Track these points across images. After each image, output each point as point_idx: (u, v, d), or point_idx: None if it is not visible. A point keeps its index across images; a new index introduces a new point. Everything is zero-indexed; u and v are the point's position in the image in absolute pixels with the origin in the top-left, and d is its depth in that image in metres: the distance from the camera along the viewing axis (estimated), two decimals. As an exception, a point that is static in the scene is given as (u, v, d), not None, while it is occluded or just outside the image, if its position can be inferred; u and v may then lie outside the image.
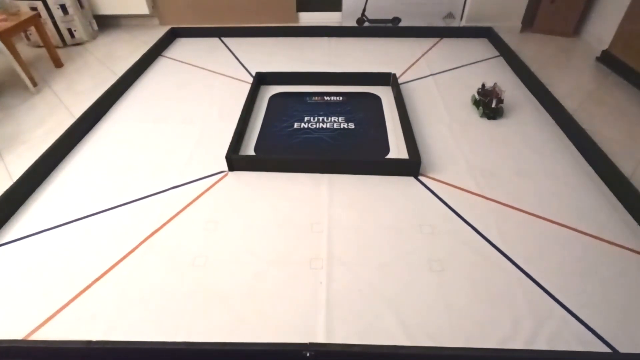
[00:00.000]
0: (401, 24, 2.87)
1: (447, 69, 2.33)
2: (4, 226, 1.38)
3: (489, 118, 1.85)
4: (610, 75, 2.25)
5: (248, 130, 1.84)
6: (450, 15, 2.84)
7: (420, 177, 1.55)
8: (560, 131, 1.78)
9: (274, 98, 2.09)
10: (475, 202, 1.44)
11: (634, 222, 1.34)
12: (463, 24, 2.85)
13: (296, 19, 3.02)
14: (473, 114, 1.91)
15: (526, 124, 1.84)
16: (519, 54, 2.36)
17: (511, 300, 1.11)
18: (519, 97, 2.04)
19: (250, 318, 1.08)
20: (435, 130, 1.81)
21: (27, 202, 1.47)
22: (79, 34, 2.78)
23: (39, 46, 2.66)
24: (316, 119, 1.90)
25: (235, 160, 1.59)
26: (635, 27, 2.12)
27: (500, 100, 1.82)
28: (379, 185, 1.51)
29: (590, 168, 1.57)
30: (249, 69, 2.36)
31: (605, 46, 2.33)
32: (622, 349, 1.00)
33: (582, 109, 1.95)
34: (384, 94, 2.10)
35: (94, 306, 1.12)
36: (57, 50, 2.53)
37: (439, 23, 2.87)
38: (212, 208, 1.43)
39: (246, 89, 2.08)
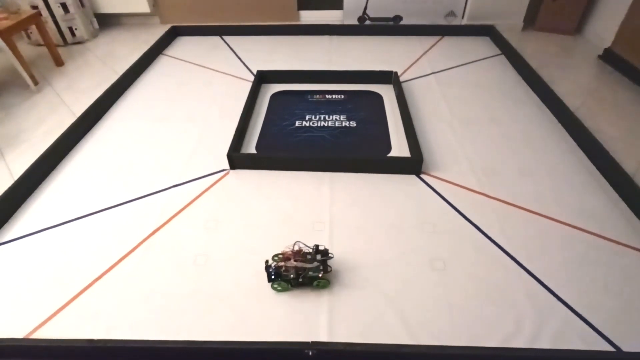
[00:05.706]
0: (402, 22, 2.86)
1: (448, 67, 2.32)
2: (5, 225, 1.38)
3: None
4: (612, 73, 2.24)
5: (249, 128, 1.83)
6: (451, 14, 2.83)
7: (422, 175, 1.54)
8: (563, 129, 1.78)
9: (275, 96, 2.09)
10: (477, 200, 1.43)
11: (637, 221, 1.33)
12: (465, 22, 2.84)
13: (297, 18, 3.02)
14: (474, 112, 1.90)
15: (528, 122, 1.83)
16: (521, 52, 2.35)
17: (514, 299, 1.11)
18: (520, 95, 2.03)
19: (251, 317, 1.08)
20: (437, 128, 1.80)
21: (28, 200, 1.47)
22: (80, 32, 2.77)
23: (39, 45, 2.66)
24: (317, 117, 1.90)
25: (237, 159, 1.59)
26: (637, 25, 2.11)
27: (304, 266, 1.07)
28: (380, 184, 1.50)
29: (592, 166, 1.57)
30: (250, 67, 2.36)
31: (608, 44, 2.32)
32: (626, 347, 1.00)
33: (584, 107, 1.94)
34: (386, 92, 2.09)
35: (95, 305, 1.12)
36: (58, 48, 2.53)
37: (441, 21, 2.86)
38: (213, 206, 1.43)
39: (247, 87, 2.07)
